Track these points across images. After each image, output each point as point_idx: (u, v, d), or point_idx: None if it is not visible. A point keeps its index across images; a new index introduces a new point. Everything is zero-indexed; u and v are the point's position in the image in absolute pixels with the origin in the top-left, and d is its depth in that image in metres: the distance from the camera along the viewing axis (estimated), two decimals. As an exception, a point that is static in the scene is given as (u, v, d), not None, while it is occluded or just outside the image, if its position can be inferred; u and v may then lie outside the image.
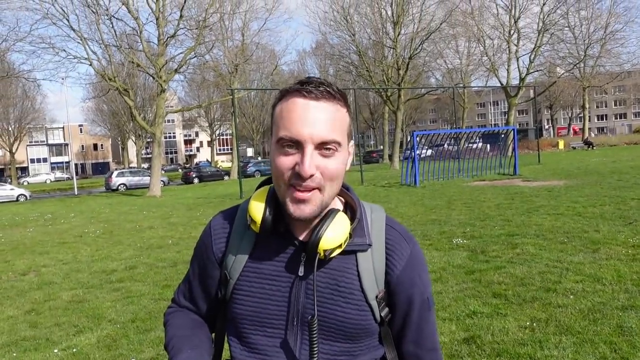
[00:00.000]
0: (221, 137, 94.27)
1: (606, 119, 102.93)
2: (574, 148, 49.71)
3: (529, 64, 47.22)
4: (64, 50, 30.06)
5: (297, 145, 1.10)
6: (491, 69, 47.90)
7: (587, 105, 58.94)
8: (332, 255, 1.14)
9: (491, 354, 4.08)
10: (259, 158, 70.68)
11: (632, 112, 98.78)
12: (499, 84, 48.03)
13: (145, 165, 65.24)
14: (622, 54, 54.18)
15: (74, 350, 4.94)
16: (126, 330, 5.37)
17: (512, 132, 25.05)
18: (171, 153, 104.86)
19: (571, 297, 5.33)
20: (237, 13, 38.79)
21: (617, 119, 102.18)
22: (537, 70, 50.15)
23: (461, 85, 52.47)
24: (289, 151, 1.11)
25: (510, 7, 46.54)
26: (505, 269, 6.62)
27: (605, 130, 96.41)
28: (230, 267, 1.23)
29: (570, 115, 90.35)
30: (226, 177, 46.02)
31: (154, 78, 29.70)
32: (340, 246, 1.14)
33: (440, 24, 40.43)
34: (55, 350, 4.96)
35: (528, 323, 4.68)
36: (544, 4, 46.17)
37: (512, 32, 47.07)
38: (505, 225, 9.83)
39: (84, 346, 5.03)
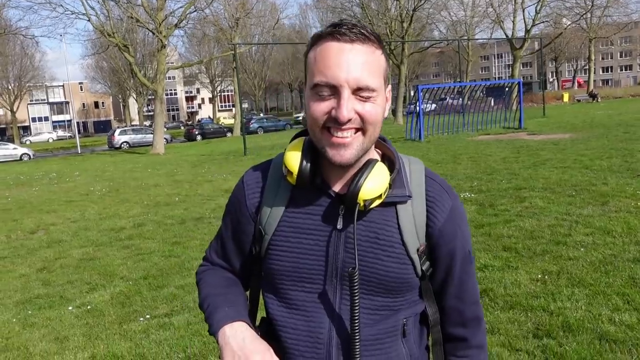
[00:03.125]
0: (223, 94, 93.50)
1: (611, 71, 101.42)
2: (579, 101, 49.21)
3: (534, 15, 46.08)
4: (61, 6, 29.56)
5: (334, 90, 1.05)
6: (496, 21, 46.87)
7: (592, 57, 58.01)
8: (372, 206, 1.11)
9: (504, 306, 4.11)
10: (261, 114, 70.28)
11: (638, 63, 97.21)
12: (504, 36, 47.08)
13: (147, 123, 64.98)
14: (631, 2, 53.20)
15: (89, 307, 5.00)
16: (139, 287, 5.42)
17: (517, 85, 24.70)
18: (173, 110, 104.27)
19: (582, 249, 5.34)
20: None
21: (622, 70, 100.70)
22: (543, 22, 49.12)
23: (466, 37, 51.50)
24: (325, 96, 1.06)
25: (516, -45, 45.16)
26: (515, 222, 6.62)
27: (610, 83, 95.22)
28: (265, 222, 1.20)
29: (575, 67, 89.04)
30: (229, 134, 45.81)
31: (153, 33, 29.19)
32: (380, 197, 1.11)
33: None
34: (70, 308, 5.02)
35: (540, 276, 4.70)
36: (551, -48, 44.77)
37: (518, -19, 45.82)
38: (512, 179, 9.80)
39: (98, 303, 5.09)
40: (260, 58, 72.55)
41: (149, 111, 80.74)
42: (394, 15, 41.16)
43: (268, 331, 1.20)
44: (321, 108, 1.07)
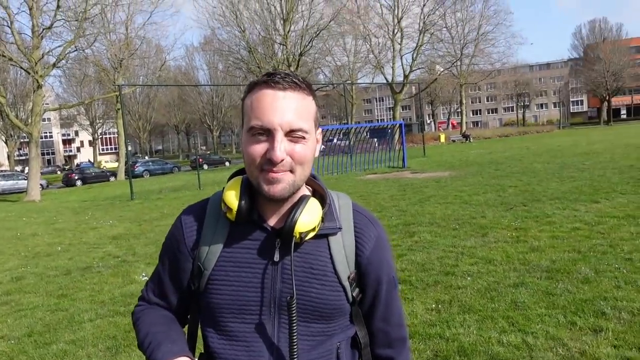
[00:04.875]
0: (104, 137, 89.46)
1: (480, 114, 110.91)
2: (454, 141, 53.13)
3: (411, 62, 49.69)
4: None
5: (268, 133, 1.14)
6: (377, 66, 49.76)
7: (464, 101, 63.24)
8: (307, 238, 1.19)
9: (404, 337, 4.29)
10: (147, 157, 67.91)
11: (502, 107, 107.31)
12: (384, 81, 50.03)
13: (19, 168, 60.22)
14: (493, 53, 58.70)
15: (-37, 371, 4.50)
16: (23, 346, 4.97)
17: (399, 126, 26.23)
18: (48, 154, 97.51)
19: (469, 278, 5.74)
20: (120, 5, 36.89)
21: (489, 113, 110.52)
22: (419, 68, 52.95)
23: (349, 81, 53.99)
24: (260, 139, 1.15)
25: (393, 7, 48.72)
26: (407, 256, 6.97)
27: (479, 124, 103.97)
28: (205, 258, 1.24)
29: (449, 110, 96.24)
30: (112, 178, 43.66)
31: (28, 73, 27.45)
32: (314, 229, 1.19)
33: (329, 21, 41.24)
34: (-60, 374, 4.49)
35: (434, 305, 4.98)
36: (424, 5, 48.88)
37: (395, 31, 49.28)
38: (401, 215, 10.32)
39: (-25, 366, 4.59)
40: (145, 99, 70.63)
41: (21, 155, 75.04)
42: (281, 59, 42.21)
43: None
44: (257, 149, 1.14)
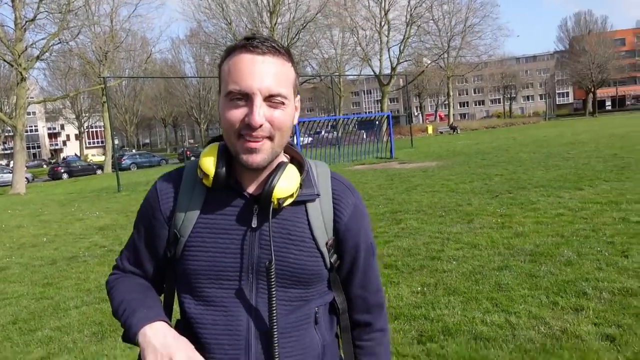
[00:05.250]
0: (91, 130, 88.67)
1: (467, 106, 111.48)
2: (441, 132, 53.36)
3: (399, 54, 49.84)
4: None
5: (246, 97, 1.13)
6: (364, 59, 49.84)
7: (451, 93, 63.44)
8: (285, 204, 1.19)
9: (390, 318, 4.31)
10: (134, 150, 67.40)
11: (489, 99, 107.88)
12: (372, 73, 50.06)
13: (4, 162, 59.56)
14: (480, 45, 59.04)
15: (-52, 358, 4.47)
16: (8, 333, 4.94)
17: (387, 118, 26.28)
18: (34, 148, 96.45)
19: (454, 262, 5.79)
20: (104, -3, 36.46)
21: (476, 105, 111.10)
22: (407, 60, 53.11)
23: (337, 74, 53.97)
24: (238, 103, 1.13)
25: (380, 0, 48.63)
26: (393, 242, 7.02)
27: (467, 116, 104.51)
28: (181, 224, 1.23)
29: (436, 102, 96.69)
30: (99, 171, 43.33)
31: (12, 66, 27.11)
32: (292, 195, 1.19)
33: (316, 13, 41.20)
34: None
35: (419, 288, 5.02)
36: (410, -3, 48.85)
37: (382, 23, 49.35)
38: (388, 203, 10.37)
39: (-41, 354, 4.56)
40: (132, 93, 70.04)
41: (5, 149, 74.19)
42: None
43: (185, 331, 1.22)
44: (235, 115, 1.13)
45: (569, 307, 4.25)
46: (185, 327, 1.23)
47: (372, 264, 1.34)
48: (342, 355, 1.35)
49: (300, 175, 1.23)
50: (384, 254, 6.42)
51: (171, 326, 1.17)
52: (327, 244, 1.24)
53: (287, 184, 1.17)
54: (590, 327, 3.82)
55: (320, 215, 1.24)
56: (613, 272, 5.00)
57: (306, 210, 1.24)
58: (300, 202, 1.23)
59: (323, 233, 1.24)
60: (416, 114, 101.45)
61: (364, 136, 29.56)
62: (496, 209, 8.65)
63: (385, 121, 26.46)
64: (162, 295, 1.34)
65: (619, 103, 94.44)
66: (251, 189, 1.23)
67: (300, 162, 1.28)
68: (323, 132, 31.40)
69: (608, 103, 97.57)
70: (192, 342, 1.16)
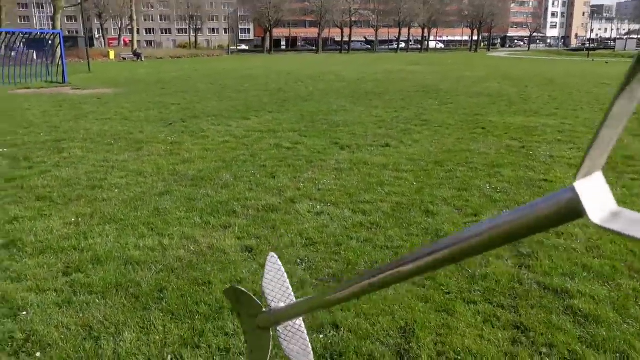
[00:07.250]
0: None
1: (154, 33, 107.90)
2: (125, 59, 50.60)
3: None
4: None
5: None
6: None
7: (134, 17, 60.25)
8: None
9: (34, 253, 3.98)
10: None
11: (176, 28, 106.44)
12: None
13: None
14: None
15: None
16: None
17: (57, 36, 23.54)
18: None
19: (116, 190, 5.63)
20: None
21: (163, 33, 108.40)
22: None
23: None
24: None
25: None
26: (51, 172, 6.43)
27: (153, 44, 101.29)
28: None
29: (120, 26, 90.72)
30: None
31: None
32: None
33: None
34: None
35: (73, 219, 4.74)
36: None
37: None
38: (52, 131, 9.41)
39: None
40: None
41: None
42: None
43: None
44: None
45: (219, 225, 4.58)
46: None
47: None
48: None
49: None
50: (37, 186, 5.83)
51: None
52: None
53: None
54: (234, 241, 4.20)
55: None
56: (261, 191, 5.57)
57: None
58: None
59: None
60: (97, 36, 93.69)
61: (34, 57, 25.94)
62: (167, 137, 8.70)
63: (57, 41, 23.66)
64: None
65: (292, 43, 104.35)
66: None
67: None
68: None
69: (283, 42, 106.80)
70: None
